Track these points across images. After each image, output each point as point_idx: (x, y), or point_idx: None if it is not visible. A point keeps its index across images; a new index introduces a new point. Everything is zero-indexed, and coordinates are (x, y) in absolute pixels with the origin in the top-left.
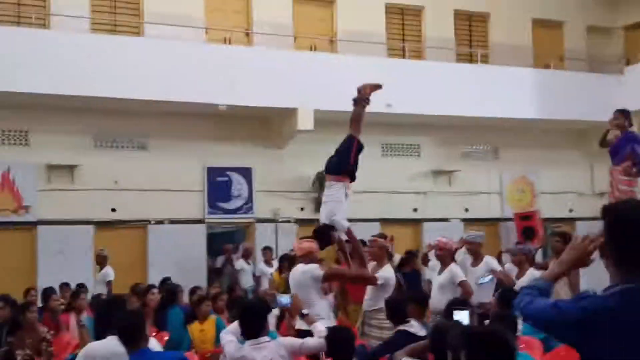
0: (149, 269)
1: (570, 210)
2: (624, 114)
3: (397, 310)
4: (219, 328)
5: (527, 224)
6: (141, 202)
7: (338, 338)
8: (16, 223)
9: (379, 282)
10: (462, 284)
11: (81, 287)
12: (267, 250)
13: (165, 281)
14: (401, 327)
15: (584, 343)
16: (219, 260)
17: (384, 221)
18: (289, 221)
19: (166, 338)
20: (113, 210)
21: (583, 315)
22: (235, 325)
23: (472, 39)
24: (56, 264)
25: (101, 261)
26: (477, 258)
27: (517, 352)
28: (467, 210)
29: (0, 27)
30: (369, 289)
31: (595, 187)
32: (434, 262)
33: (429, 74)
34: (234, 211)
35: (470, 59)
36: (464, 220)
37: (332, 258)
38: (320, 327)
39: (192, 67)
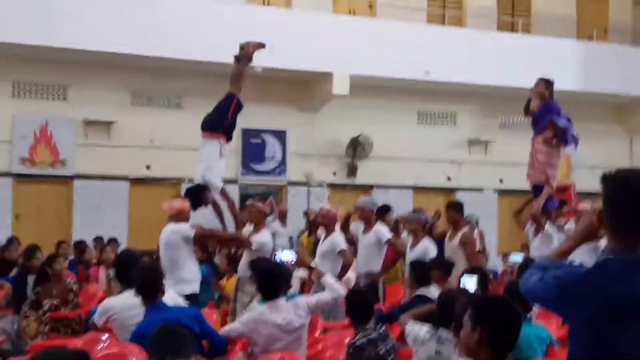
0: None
1: None
2: (546, 83)
3: (421, 273)
4: None
5: (562, 197)
6: (175, 161)
7: (357, 300)
8: (53, 176)
9: (253, 246)
10: (342, 252)
11: (112, 241)
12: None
13: None
14: (420, 291)
15: (561, 313)
16: None
17: (418, 189)
18: (321, 185)
19: None
20: (148, 167)
21: (557, 285)
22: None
23: (514, 7)
24: (91, 218)
25: None
26: (368, 225)
27: (531, 321)
28: (501, 181)
29: None
30: (245, 254)
31: (635, 161)
32: (320, 231)
33: (469, 42)
34: (267, 173)
35: (511, 28)
36: (498, 191)
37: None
38: (330, 280)
39: (230, 29)
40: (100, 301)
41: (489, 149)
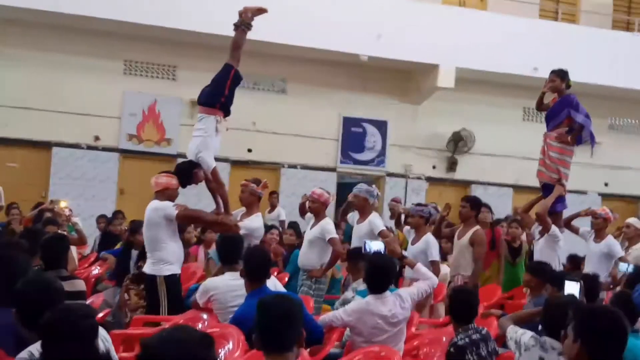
0: (279, 211)
1: None
2: (559, 75)
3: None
4: (334, 276)
5: None
6: (276, 145)
7: (461, 299)
8: (158, 154)
9: (241, 231)
10: (332, 240)
11: (281, 227)
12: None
13: (292, 225)
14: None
15: None
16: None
17: (518, 188)
18: (419, 178)
19: (287, 279)
20: (249, 150)
21: None
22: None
23: (631, 5)
24: (192, 198)
25: (274, 202)
26: (362, 215)
27: (638, 333)
28: (606, 184)
29: None
30: None
31: None
32: (310, 215)
33: (582, 39)
34: (366, 162)
35: (627, 26)
36: (603, 194)
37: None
38: (423, 269)
39: (338, 15)
40: (199, 280)
41: (595, 150)
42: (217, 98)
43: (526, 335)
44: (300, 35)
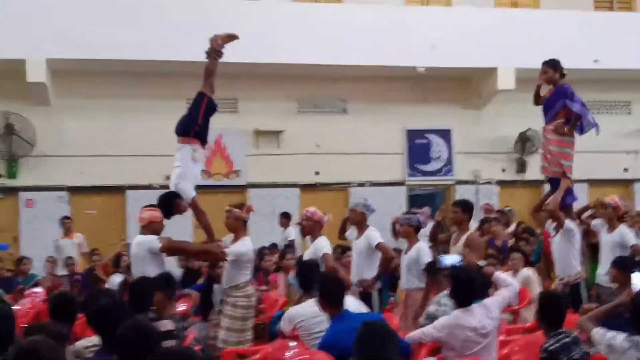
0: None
1: None
2: (551, 66)
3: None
4: None
5: None
6: (343, 165)
7: (550, 303)
8: (228, 186)
9: (229, 257)
10: (323, 257)
11: (289, 247)
12: None
13: None
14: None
15: None
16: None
17: (592, 182)
18: (489, 182)
19: None
20: (316, 173)
21: None
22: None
23: None
24: (266, 225)
25: (284, 222)
26: (359, 229)
27: None
28: None
29: None
30: (227, 264)
31: None
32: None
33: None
34: (434, 173)
35: None
36: None
37: None
38: (502, 275)
39: (391, 30)
40: (282, 307)
41: None
42: (191, 127)
43: (618, 338)
44: (355, 54)
